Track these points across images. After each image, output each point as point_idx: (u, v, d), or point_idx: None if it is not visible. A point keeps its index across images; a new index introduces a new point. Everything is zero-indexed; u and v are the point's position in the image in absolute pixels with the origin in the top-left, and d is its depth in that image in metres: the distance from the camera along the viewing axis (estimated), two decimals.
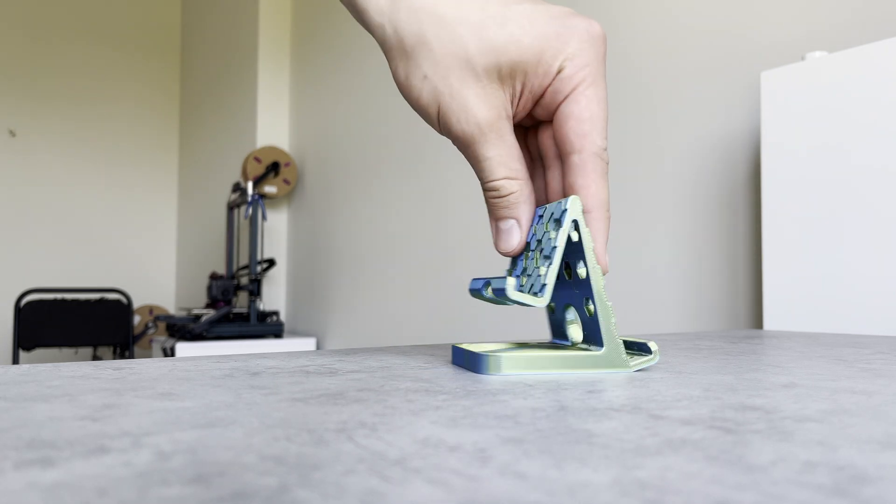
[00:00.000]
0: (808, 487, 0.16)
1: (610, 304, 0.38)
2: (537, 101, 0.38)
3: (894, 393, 0.30)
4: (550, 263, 0.37)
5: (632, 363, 0.37)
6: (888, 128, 0.86)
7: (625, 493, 0.15)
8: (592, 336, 0.38)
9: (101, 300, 3.12)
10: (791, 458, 0.18)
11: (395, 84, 2.11)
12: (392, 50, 0.38)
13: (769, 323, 0.97)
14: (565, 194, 0.39)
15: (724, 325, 1.27)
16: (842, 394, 0.30)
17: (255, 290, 2.63)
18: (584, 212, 0.38)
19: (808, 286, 0.93)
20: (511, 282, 0.37)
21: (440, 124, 0.38)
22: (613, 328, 0.37)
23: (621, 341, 0.37)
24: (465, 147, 0.38)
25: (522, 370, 0.36)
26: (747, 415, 0.25)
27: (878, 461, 0.18)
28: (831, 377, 0.36)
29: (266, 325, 2.63)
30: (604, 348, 0.37)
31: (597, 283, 0.37)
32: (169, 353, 2.50)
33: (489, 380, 0.34)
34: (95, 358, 3.62)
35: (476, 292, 0.39)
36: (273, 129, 3.05)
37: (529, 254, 0.39)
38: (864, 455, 0.19)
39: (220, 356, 0.44)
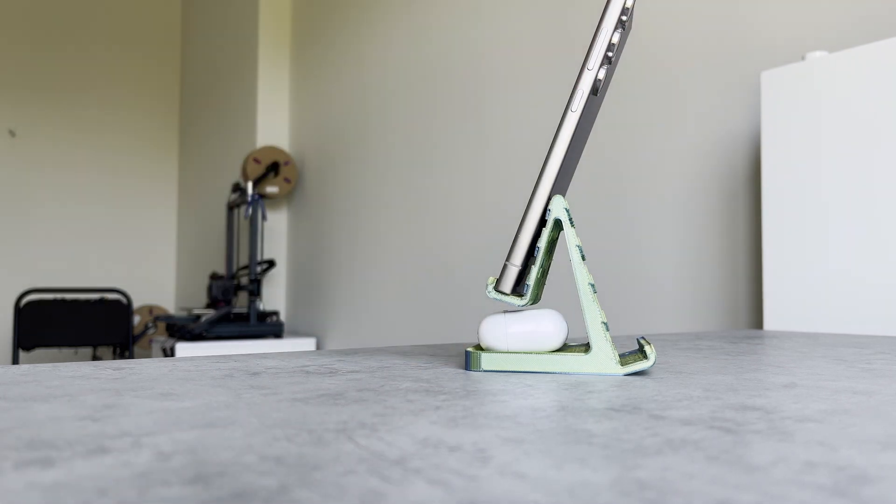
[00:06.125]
0: (808, 488, 0.16)
1: (596, 302, 0.37)
2: None
3: (894, 393, 0.30)
4: (534, 264, 0.37)
5: (624, 366, 0.36)
6: (888, 128, 0.86)
7: (625, 493, 0.15)
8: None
9: (101, 300, 3.12)
10: (791, 458, 0.18)
11: (394, 83, 2.10)
12: None
13: (769, 323, 0.97)
14: None
15: (724, 325, 1.27)
16: (842, 394, 0.30)
17: (254, 291, 2.63)
18: None
19: (808, 286, 0.93)
20: (490, 281, 0.37)
21: None
22: (602, 328, 0.36)
23: (610, 343, 0.36)
24: None
25: (502, 368, 0.37)
26: (748, 415, 0.25)
27: (878, 461, 0.18)
28: (832, 377, 0.36)
29: (266, 325, 2.63)
30: (591, 350, 0.36)
31: (582, 281, 0.37)
32: (169, 353, 2.50)
33: (489, 380, 0.34)
34: (95, 358, 3.62)
35: None
36: (273, 128, 3.05)
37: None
38: (864, 455, 0.19)
39: (220, 356, 0.44)
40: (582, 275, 0.36)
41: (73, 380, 0.32)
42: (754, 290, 1.23)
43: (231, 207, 2.86)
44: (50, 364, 0.38)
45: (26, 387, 0.30)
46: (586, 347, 0.39)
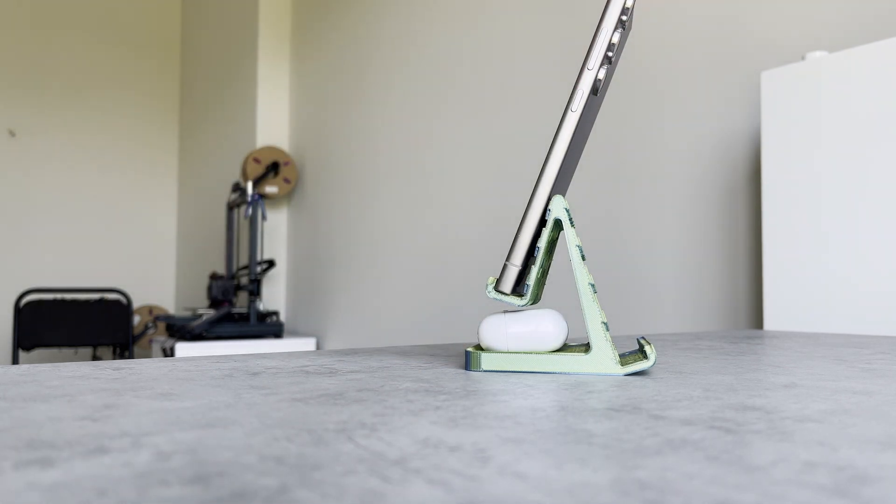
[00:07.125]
0: (808, 487, 0.16)
1: (596, 302, 0.37)
2: None
3: (894, 393, 0.30)
4: (534, 264, 0.37)
5: (624, 366, 0.36)
6: (888, 128, 0.86)
7: (625, 493, 0.15)
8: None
9: (101, 300, 3.12)
10: (791, 458, 0.18)
11: (394, 83, 2.10)
12: None
13: (769, 323, 0.97)
14: None
15: (724, 325, 1.27)
16: (842, 394, 0.30)
17: (254, 290, 2.63)
18: None
19: (808, 286, 0.93)
20: (490, 281, 0.38)
21: None
22: (602, 328, 0.36)
23: (610, 343, 0.36)
24: None
25: (502, 368, 0.37)
26: (747, 415, 0.25)
27: (878, 461, 0.18)
28: (831, 377, 0.36)
29: (266, 325, 2.63)
30: (591, 350, 0.36)
31: (582, 281, 0.37)
32: (169, 353, 2.50)
33: (489, 380, 0.34)
34: (95, 358, 3.62)
35: None
36: (273, 129, 3.05)
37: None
38: (864, 455, 0.19)
39: (219, 356, 0.44)
40: (582, 275, 0.37)
41: (72, 380, 0.32)
42: (754, 290, 1.23)
43: (231, 207, 2.86)
44: (50, 364, 0.38)
45: (26, 387, 0.30)
46: (586, 347, 0.39)
